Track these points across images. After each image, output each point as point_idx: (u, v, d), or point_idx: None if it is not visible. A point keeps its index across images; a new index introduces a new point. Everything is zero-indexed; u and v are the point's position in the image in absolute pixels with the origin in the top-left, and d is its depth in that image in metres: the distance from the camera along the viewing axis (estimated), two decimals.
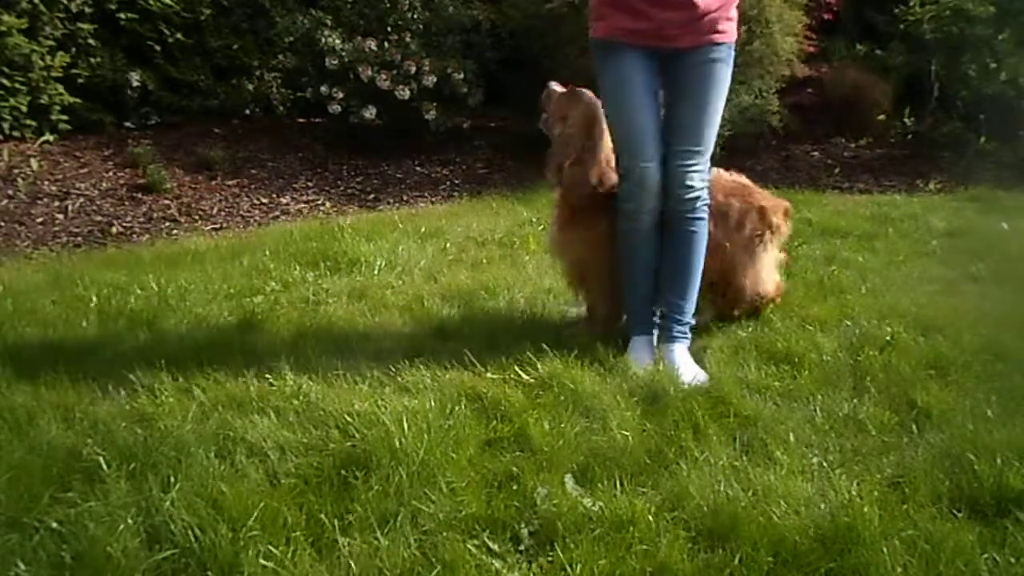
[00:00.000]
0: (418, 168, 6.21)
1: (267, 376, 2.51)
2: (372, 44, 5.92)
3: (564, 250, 2.95)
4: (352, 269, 3.70)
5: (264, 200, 5.42)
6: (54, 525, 1.75)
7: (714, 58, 2.64)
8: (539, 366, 2.58)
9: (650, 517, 1.79)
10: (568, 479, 1.93)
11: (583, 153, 2.79)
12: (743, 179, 3.06)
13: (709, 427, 2.21)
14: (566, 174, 2.82)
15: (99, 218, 4.85)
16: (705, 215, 2.74)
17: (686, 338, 2.77)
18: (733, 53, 2.71)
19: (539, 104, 2.94)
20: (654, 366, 2.63)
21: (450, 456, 1.98)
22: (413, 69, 5.89)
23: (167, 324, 2.95)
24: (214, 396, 2.38)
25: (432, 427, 2.11)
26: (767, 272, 2.98)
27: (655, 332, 2.81)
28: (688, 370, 2.63)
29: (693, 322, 2.80)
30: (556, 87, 2.90)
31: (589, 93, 2.83)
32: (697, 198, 2.70)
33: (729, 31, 2.68)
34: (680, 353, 2.72)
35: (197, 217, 5.01)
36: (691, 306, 2.77)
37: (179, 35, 6.14)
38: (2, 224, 4.57)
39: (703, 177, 2.72)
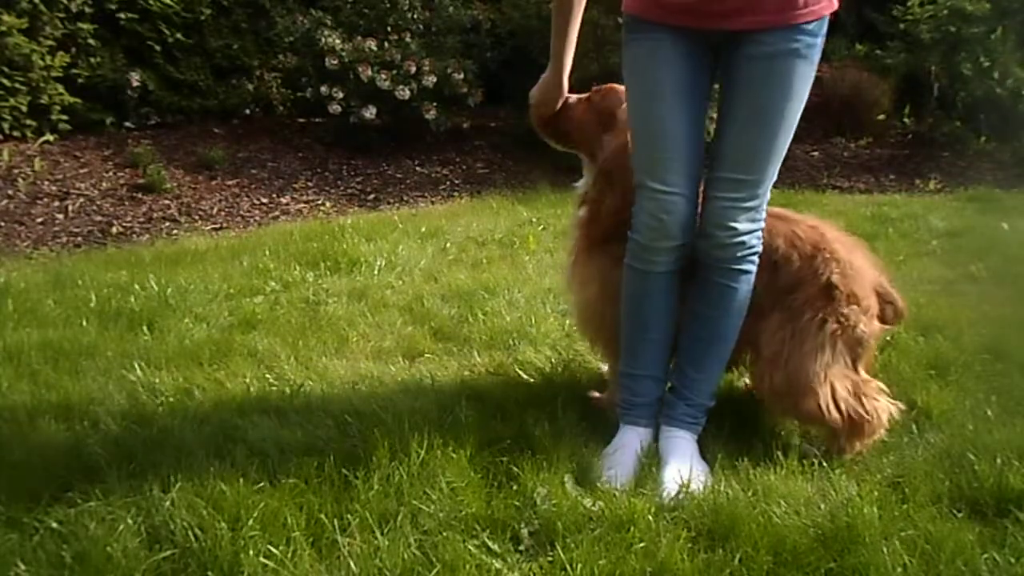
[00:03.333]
0: (418, 168, 6.21)
1: (267, 376, 2.52)
2: (372, 44, 5.93)
3: (575, 288, 2.32)
4: (352, 269, 3.70)
5: (264, 200, 5.42)
6: (54, 525, 1.75)
7: (790, 48, 1.86)
8: (539, 366, 2.58)
9: (650, 517, 1.79)
10: (568, 479, 1.92)
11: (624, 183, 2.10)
12: (825, 230, 2.18)
13: (709, 427, 2.20)
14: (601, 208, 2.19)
15: (99, 218, 4.85)
16: (751, 268, 2.02)
17: (696, 425, 2.08)
18: (821, 39, 1.90)
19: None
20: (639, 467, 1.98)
21: (450, 456, 1.98)
22: (413, 69, 5.89)
23: (167, 324, 2.95)
24: (214, 396, 2.38)
25: (432, 427, 2.11)
26: (825, 379, 2.04)
27: (653, 421, 2.10)
28: (677, 473, 1.93)
29: (710, 404, 2.11)
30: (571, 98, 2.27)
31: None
32: (741, 243, 1.97)
33: (818, 2, 1.87)
34: (680, 445, 2.04)
35: (197, 217, 5.01)
36: (711, 385, 2.09)
37: (179, 35, 6.14)
38: (2, 224, 4.57)
39: (754, 217, 1.98)
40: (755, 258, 2.03)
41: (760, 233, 2.02)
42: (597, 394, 2.38)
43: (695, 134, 1.96)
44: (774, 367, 2.07)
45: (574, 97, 2.26)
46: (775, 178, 1.99)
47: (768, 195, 2.00)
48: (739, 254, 1.99)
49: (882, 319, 2.16)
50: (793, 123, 1.94)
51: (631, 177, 2.05)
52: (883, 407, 2.09)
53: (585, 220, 2.24)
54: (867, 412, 2.05)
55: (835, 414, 2.03)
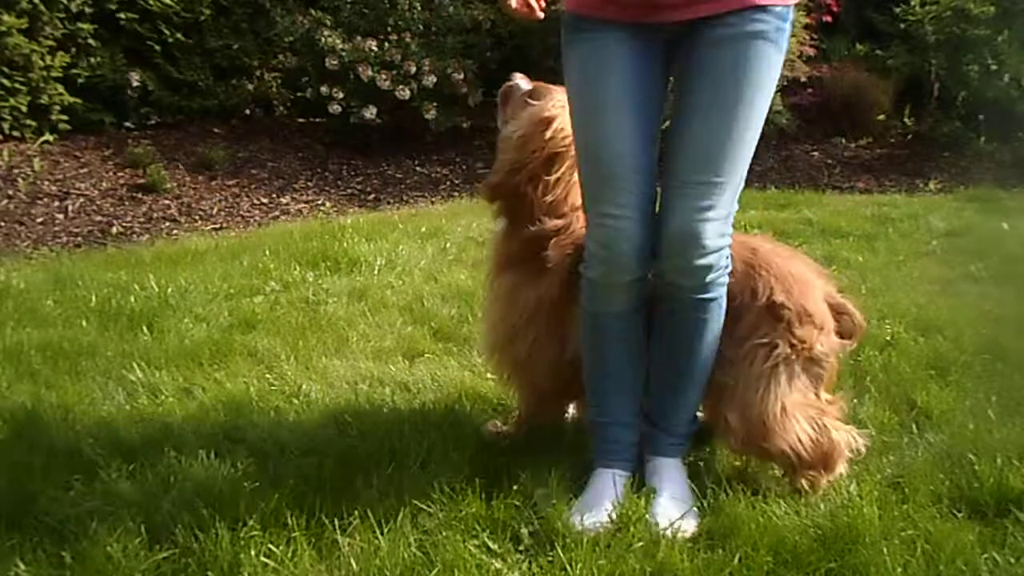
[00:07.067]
0: (418, 168, 6.21)
1: (267, 376, 2.52)
2: (372, 44, 5.92)
3: (486, 309, 2.11)
4: (352, 269, 3.70)
5: (264, 200, 5.42)
6: (54, 525, 1.75)
7: (756, 29, 1.63)
8: None
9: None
10: (568, 479, 1.92)
11: (534, 170, 1.91)
12: (757, 243, 1.94)
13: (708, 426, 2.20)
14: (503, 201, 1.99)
15: (99, 218, 4.85)
16: (723, 292, 1.77)
17: (680, 448, 1.91)
18: (789, 26, 1.70)
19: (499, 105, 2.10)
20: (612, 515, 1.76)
21: (450, 456, 1.98)
22: (413, 69, 5.89)
23: (167, 324, 2.95)
24: (214, 396, 2.38)
25: (432, 427, 2.11)
26: (786, 412, 1.82)
27: (630, 463, 1.89)
28: (669, 505, 1.78)
29: (694, 428, 1.94)
30: (521, 82, 2.07)
31: (559, 91, 1.93)
32: (708, 266, 1.70)
33: None
34: (668, 473, 1.87)
35: (197, 217, 5.01)
36: (690, 412, 1.91)
37: (179, 35, 6.13)
38: (2, 224, 4.57)
39: (723, 231, 1.71)
40: (725, 279, 1.77)
41: (729, 251, 1.75)
42: (498, 425, 2.18)
43: (647, 149, 1.72)
44: (727, 406, 1.85)
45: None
46: (743, 186, 1.72)
47: (736, 206, 1.74)
48: (708, 279, 1.72)
49: (839, 334, 1.91)
50: (761, 117, 1.69)
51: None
52: (844, 439, 1.89)
53: (498, 238, 2.07)
54: (832, 444, 1.86)
55: (803, 452, 1.83)
